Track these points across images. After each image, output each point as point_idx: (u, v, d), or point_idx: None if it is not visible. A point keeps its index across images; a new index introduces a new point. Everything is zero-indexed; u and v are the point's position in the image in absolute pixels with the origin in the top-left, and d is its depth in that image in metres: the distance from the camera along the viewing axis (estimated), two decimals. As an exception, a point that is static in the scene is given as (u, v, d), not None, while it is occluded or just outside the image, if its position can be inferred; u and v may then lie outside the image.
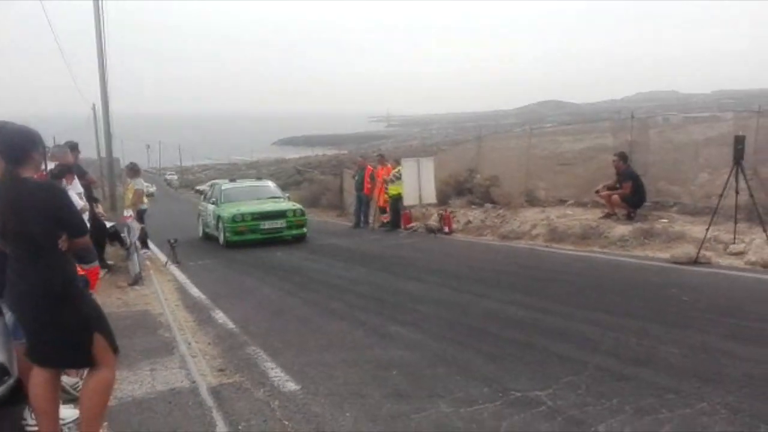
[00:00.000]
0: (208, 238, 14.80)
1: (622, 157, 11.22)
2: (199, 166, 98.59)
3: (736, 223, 8.34)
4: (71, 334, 3.06)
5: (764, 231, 7.83)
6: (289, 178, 46.52)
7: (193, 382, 4.38)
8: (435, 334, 5.37)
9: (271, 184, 16.73)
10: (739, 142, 8.27)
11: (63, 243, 3.08)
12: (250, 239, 13.07)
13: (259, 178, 20.34)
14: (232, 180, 17.85)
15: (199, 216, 16.17)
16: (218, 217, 13.75)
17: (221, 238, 13.48)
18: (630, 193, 10.84)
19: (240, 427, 3.56)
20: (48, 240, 3.03)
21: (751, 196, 8.29)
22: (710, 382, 3.81)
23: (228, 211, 13.45)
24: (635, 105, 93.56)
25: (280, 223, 13.42)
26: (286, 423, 3.58)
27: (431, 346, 5.00)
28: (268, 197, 14.85)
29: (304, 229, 13.77)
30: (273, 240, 13.18)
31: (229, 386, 4.29)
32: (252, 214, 13.30)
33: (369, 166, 16.81)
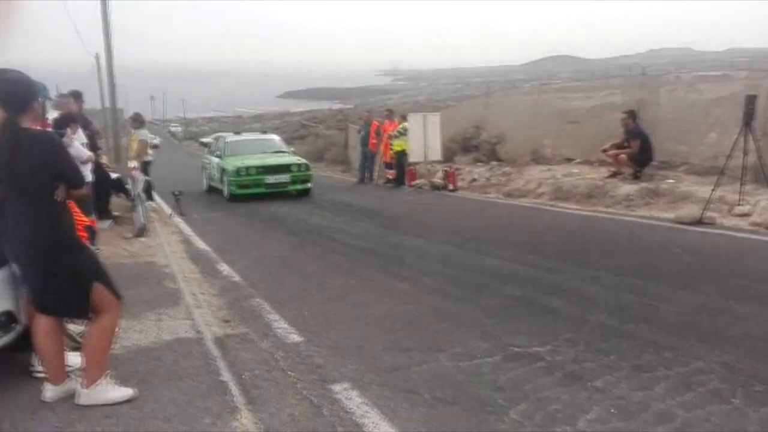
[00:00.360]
0: (212, 190, 14.81)
1: (631, 115, 11.09)
2: (203, 118, 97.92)
3: (742, 184, 8.28)
4: (68, 284, 3.10)
5: (771, 192, 7.79)
6: (294, 132, 46.19)
7: (199, 332, 4.45)
8: (437, 290, 5.42)
9: (276, 137, 16.63)
10: (749, 102, 8.14)
11: (59, 193, 3.09)
12: (254, 193, 13.04)
13: (264, 132, 20.23)
14: (237, 133, 17.73)
15: (203, 169, 16.13)
16: (222, 170, 13.72)
17: (225, 192, 13.51)
18: (637, 152, 10.75)
19: (244, 377, 3.63)
20: (44, 190, 3.04)
21: (760, 157, 8.21)
22: (708, 341, 3.85)
23: (232, 164, 13.43)
24: (649, 62, 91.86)
25: (284, 178, 13.38)
26: (290, 373, 3.66)
27: (433, 301, 5.06)
28: (272, 151, 14.77)
29: (309, 184, 13.71)
30: (277, 194, 13.16)
31: (233, 337, 4.37)
32: (256, 167, 13.25)
33: (375, 121, 16.66)
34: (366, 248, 7.55)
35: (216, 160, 14.61)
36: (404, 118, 15.23)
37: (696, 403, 3.05)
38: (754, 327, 4.08)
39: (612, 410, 3.02)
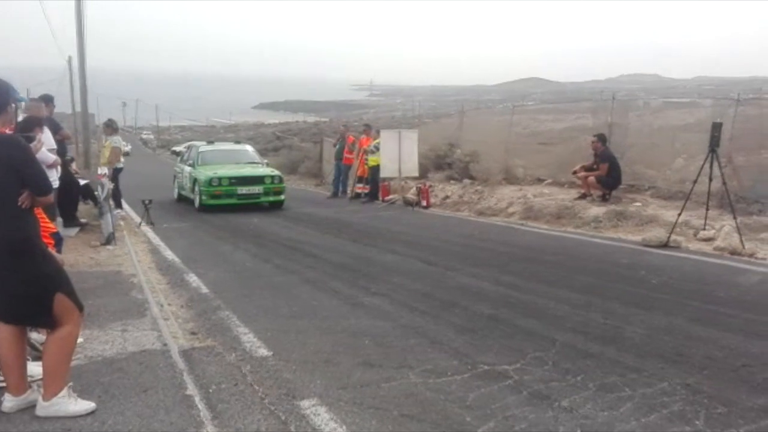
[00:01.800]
0: (183, 200, 14.65)
1: (601, 138, 11.32)
2: (176, 126, 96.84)
3: (707, 209, 8.50)
4: (31, 292, 3.04)
5: (734, 218, 8.01)
6: (268, 143, 45.93)
7: (165, 344, 4.38)
8: (407, 306, 5.43)
9: (249, 148, 16.44)
10: (715, 129, 8.37)
11: (24, 199, 3.03)
12: (226, 203, 12.93)
13: (237, 142, 19.97)
14: (210, 142, 17.48)
15: (174, 178, 15.91)
16: (194, 180, 13.57)
17: (196, 201, 13.36)
18: (606, 175, 10.97)
19: (210, 391, 3.58)
20: (10, 194, 2.98)
21: (724, 183, 8.43)
22: (672, 363, 3.93)
23: (204, 174, 13.29)
24: (618, 86, 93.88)
25: (257, 189, 13.28)
26: (257, 388, 3.61)
27: (403, 318, 5.06)
28: (246, 162, 14.64)
29: (282, 197, 13.63)
30: (249, 206, 13.06)
31: (200, 350, 4.30)
32: (229, 178, 13.11)
33: (350, 136, 16.69)
34: (337, 262, 7.52)
35: (188, 169, 14.42)
36: (379, 134, 15.29)
37: (660, 424, 3.10)
38: (717, 350, 4.17)
39: (578, 430, 3.05)
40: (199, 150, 14.95)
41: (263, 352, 4.24)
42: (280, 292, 5.99)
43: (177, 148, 46.03)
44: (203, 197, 13.03)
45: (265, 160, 15.74)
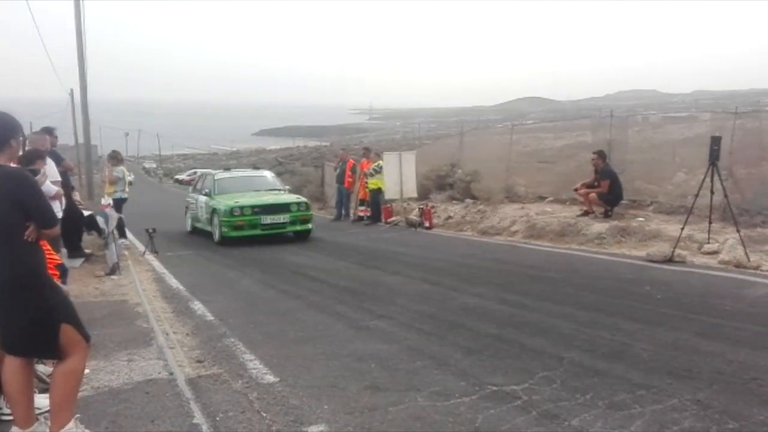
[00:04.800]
0: (198, 232, 13.62)
1: (601, 155, 11.36)
2: (178, 155, 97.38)
3: (710, 222, 8.50)
4: (37, 324, 3.04)
5: (737, 231, 7.99)
6: (271, 168, 46.21)
7: (171, 373, 4.36)
8: (413, 328, 5.41)
9: (268, 174, 15.38)
10: (715, 143, 8.41)
11: (30, 233, 3.05)
12: (249, 235, 11.86)
13: (255, 167, 18.71)
14: (227, 169, 16.44)
15: (187, 209, 14.74)
16: (212, 210, 12.45)
17: (216, 234, 12.24)
18: (607, 192, 10.99)
19: (217, 419, 3.56)
20: (16, 228, 3.00)
21: (726, 196, 8.45)
22: (681, 379, 3.90)
23: (224, 203, 12.17)
24: (617, 103, 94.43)
25: (282, 218, 12.14)
26: (264, 415, 3.59)
27: (409, 340, 5.04)
28: (266, 189, 13.55)
29: (310, 225, 12.52)
30: (274, 236, 12.12)
31: (207, 378, 4.29)
32: (252, 207, 12.01)
33: (350, 159, 16.79)
34: (341, 286, 7.52)
35: (203, 198, 13.22)
36: (379, 156, 15.38)
37: (671, 441, 3.07)
38: (725, 364, 4.14)
39: (589, 449, 3.02)
40: (216, 178, 13.76)
41: (270, 378, 4.22)
42: (285, 318, 5.99)
43: (180, 177, 46.24)
44: (224, 229, 11.92)
45: (287, 186, 14.57)
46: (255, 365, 4.51)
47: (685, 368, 4.09)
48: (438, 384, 3.97)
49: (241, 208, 11.95)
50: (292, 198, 13.00)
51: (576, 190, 11.73)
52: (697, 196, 8.34)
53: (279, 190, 13.73)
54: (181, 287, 7.70)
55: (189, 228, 14.43)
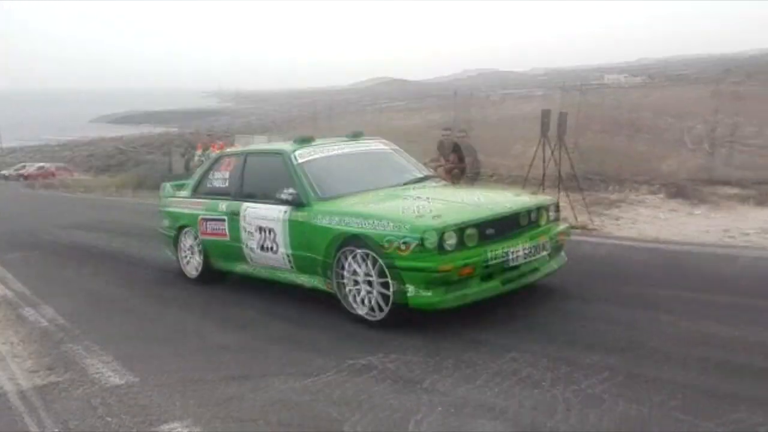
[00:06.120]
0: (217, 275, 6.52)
1: (451, 131, 11.90)
2: (7, 148, 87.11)
3: (542, 189, 9.26)
4: None
5: (567, 197, 8.79)
6: (111, 158, 42.95)
7: (1, 387, 3.94)
8: (268, 312, 5.32)
9: (387, 147, 6.42)
10: (545, 116, 9.15)
11: None
12: (480, 298, 4.46)
13: (356, 135, 6.27)
14: (304, 140, 5.83)
15: (180, 230, 6.75)
16: (336, 240, 4.75)
17: (372, 299, 4.56)
18: (454, 166, 11.54)
19: (56, 431, 3.28)
20: None
21: (556, 165, 9.24)
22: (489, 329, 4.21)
23: (414, 223, 4.35)
24: (465, 83, 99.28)
25: (524, 247, 4.65)
26: (109, 420, 3.37)
27: (263, 326, 4.95)
28: (400, 183, 5.64)
29: (563, 255, 5.25)
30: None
31: (42, 388, 3.93)
32: (478, 223, 4.48)
33: (213, 145, 16.23)
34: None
35: (268, 211, 5.42)
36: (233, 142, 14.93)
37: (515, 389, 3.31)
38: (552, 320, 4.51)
39: (438, 408, 3.17)
40: (299, 161, 5.42)
41: (115, 380, 3.95)
42: (132, 316, 5.63)
43: (5, 172, 41.84)
44: (421, 289, 4.26)
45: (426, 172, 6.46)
46: (97, 369, 4.18)
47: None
48: (296, 365, 3.95)
49: (460, 229, 4.40)
50: (535, 200, 5.27)
51: (425, 164, 12.17)
52: (530, 166, 9.04)
53: (424, 177, 5.95)
54: (8, 293, 6.92)
55: (193, 270, 6.67)
